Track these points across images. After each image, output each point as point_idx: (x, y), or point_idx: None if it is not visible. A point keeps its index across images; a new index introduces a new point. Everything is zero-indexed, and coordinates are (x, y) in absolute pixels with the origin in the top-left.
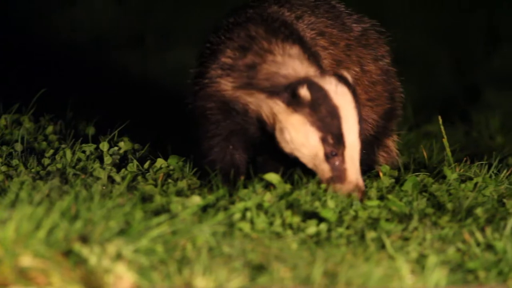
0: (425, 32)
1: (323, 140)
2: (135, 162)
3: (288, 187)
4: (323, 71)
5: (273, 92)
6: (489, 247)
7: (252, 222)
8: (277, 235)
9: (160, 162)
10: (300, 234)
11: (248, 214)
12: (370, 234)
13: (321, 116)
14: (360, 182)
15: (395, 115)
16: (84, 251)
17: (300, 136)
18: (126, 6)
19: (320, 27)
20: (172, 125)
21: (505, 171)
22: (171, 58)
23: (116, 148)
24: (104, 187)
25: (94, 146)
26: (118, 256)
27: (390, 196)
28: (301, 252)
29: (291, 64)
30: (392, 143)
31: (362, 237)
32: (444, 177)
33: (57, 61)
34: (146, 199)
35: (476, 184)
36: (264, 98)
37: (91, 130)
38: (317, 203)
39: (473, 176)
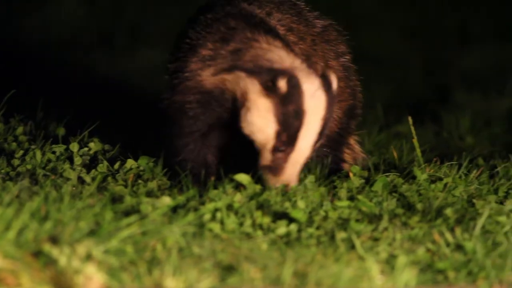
0: (395, 32)
1: (278, 134)
2: (105, 162)
3: (258, 187)
4: (311, 66)
5: (253, 71)
6: (459, 247)
7: (222, 222)
8: (247, 235)
9: (130, 162)
10: (270, 235)
11: (218, 215)
12: (340, 235)
13: (286, 112)
14: (292, 184)
15: (356, 113)
16: (54, 251)
17: (260, 121)
18: (95, 6)
19: (289, 23)
20: (142, 125)
21: (474, 172)
22: (140, 58)
23: (86, 148)
24: (74, 188)
25: (64, 146)
26: (88, 257)
27: (360, 197)
28: (271, 252)
29: (277, 52)
30: (354, 141)
31: (332, 237)
32: (414, 177)
33: (27, 62)
34: (116, 199)
35: (446, 184)
36: (244, 77)
37: (61, 131)
38: (287, 204)
39: (443, 176)
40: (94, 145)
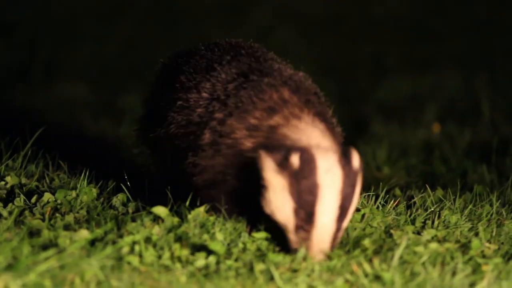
0: (310, 65)
1: (295, 212)
2: (22, 196)
3: (176, 220)
4: (335, 146)
5: (269, 150)
6: (377, 278)
7: (140, 255)
8: (166, 268)
9: (47, 196)
10: (189, 267)
11: (137, 248)
12: (259, 266)
13: (300, 188)
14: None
15: None
16: None
17: (277, 199)
18: (11, 41)
19: (282, 71)
20: (59, 158)
21: (392, 202)
22: (56, 92)
23: (2, 182)
24: None
25: None
26: None
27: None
28: (190, 285)
29: (308, 132)
30: None
31: (251, 269)
32: None
33: None
34: (33, 233)
35: (363, 215)
36: (261, 155)
37: None
38: (205, 236)
39: (361, 207)
40: (10, 179)
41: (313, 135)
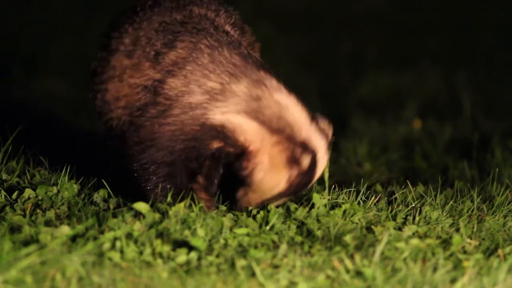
0: (291, 60)
1: (284, 192)
2: (3, 192)
3: (157, 216)
4: (313, 121)
5: (280, 137)
6: (358, 274)
7: (121, 251)
8: (147, 264)
9: (28, 192)
10: (170, 263)
11: (118, 244)
12: (240, 262)
13: (299, 183)
14: None
15: None
16: None
17: (273, 182)
18: None
19: (237, 22)
20: (40, 153)
21: (373, 198)
22: (37, 87)
23: None
24: None
25: None
26: None
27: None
28: (172, 281)
29: (290, 109)
30: None
31: (232, 265)
32: (313, 204)
33: None
34: (14, 229)
35: (344, 211)
36: (268, 138)
37: None
38: (187, 232)
39: (342, 203)
40: None
41: (302, 122)
